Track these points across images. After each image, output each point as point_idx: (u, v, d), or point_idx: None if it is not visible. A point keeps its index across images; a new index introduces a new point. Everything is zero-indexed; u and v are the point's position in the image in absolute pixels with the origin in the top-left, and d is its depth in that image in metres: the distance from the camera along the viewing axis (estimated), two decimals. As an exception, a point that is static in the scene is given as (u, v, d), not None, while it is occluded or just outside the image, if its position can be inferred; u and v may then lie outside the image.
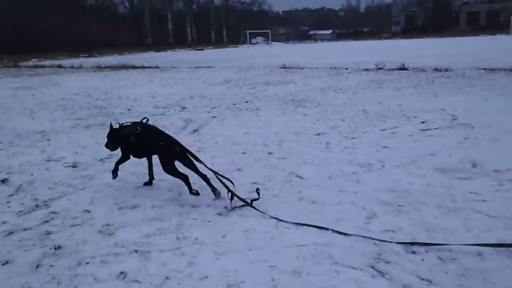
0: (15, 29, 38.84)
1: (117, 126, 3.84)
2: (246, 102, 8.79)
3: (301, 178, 4.01)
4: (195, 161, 3.55)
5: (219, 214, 3.24)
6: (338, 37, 76.72)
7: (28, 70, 21.05)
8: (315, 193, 3.59)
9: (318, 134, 5.75)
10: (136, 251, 2.70)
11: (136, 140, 3.62)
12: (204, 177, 3.53)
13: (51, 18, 43.52)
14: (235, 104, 8.53)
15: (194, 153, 3.62)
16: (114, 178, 3.81)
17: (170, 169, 3.55)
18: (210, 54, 32.76)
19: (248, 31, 51.59)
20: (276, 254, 2.60)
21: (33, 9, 42.92)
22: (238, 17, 69.38)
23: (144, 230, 2.99)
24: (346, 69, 15.12)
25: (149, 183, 3.92)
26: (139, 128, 3.63)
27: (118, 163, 3.84)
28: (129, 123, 3.80)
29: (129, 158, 3.84)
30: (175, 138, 3.67)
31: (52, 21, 42.95)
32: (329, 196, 3.53)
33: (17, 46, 37.18)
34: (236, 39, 57.08)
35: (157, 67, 19.28)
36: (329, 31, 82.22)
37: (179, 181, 3.57)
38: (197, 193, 3.53)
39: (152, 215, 3.26)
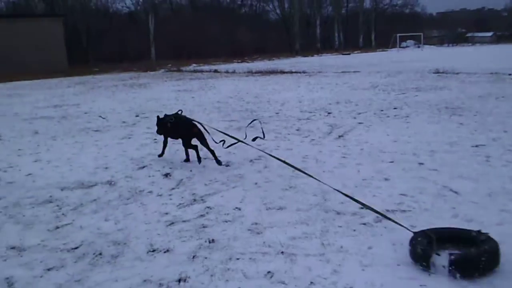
0: (179, 36, 42.96)
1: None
2: (395, 108, 8.46)
3: (456, 193, 3.73)
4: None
5: (365, 224, 3.18)
6: (498, 39, 69.28)
7: (189, 74, 23.09)
8: (472, 211, 3.31)
9: (476, 146, 5.28)
10: (282, 252, 2.78)
11: (171, 126, 5.04)
12: (212, 152, 4.99)
13: (209, 27, 47.21)
14: (382, 110, 8.27)
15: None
16: (160, 156, 5.35)
17: (187, 144, 5.07)
18: (357, 59, 32.25)
19: (398, 35, 49.55)
20: (427, 273, 2.45)
21: (194, 19, 47.05)
22: (388, 20, 66.98)
23: (290, 233, 3.07)
24: (510, 74, 13.60)
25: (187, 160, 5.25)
26: (173, 118, 5.03)
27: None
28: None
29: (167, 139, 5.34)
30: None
31: (211, 29, 46.55)
32: (489, 215, 3.22)
33: (180, 52, 41.26)
34: (385, 43, 55.23)
35: (304, 72, 19.61)
36: (490, 33, 74.72)
37: (323, 186, 3.59)
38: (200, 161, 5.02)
39: (297, 218, 3.34)
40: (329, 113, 8.30)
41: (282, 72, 20.16)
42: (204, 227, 3.25)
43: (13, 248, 3.05)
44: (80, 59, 38.05)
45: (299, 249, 2.82)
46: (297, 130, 6.82)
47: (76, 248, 3.00)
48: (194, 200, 3.86)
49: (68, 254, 2.92)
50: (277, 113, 8.53)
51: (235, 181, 4.34)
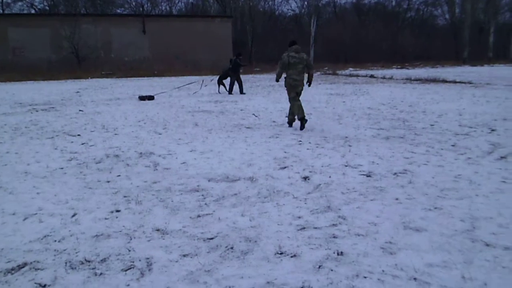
0: (338, 39, 42.95)
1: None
2: None
3: None
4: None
5: (520, 262, 2.77)
6: None
7: (344, 78, 22.93)
8: None
9: None
10: (415, 278, 2.58)
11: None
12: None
13: (371, 31, 46.21)
14: (562, 133, 7.13)
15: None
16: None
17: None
18: (537, 71, 28.41)
19: None
20: None
21: (356, 22, 46.49)
22: None
23: (427, 258, 2.83)
24: None
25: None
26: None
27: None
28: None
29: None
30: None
31: (372, 33, 45.55)
32: None
33: (338, 55, 41.30)
34: None
35: (469, 83, 17.96)
36: None
37: (474, 212, 3.22)
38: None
39: (438, 243, 3.05)
40: (493, 130, 7.44)
41: (445, 81, 18.77)
42: (334, 237, 3.17)
43: (157, 230, 3.36)
44: (244, 58, 40.44)
45: (434, 278, 2.58)
46: (453, 145, 6.26)
47: (212, 239, 3.18)
48: (329, 207, 3.79)
49: (204, 243, 3.10)
50: (432, 125, 7.95)
51: (374, 193, 4.16)
